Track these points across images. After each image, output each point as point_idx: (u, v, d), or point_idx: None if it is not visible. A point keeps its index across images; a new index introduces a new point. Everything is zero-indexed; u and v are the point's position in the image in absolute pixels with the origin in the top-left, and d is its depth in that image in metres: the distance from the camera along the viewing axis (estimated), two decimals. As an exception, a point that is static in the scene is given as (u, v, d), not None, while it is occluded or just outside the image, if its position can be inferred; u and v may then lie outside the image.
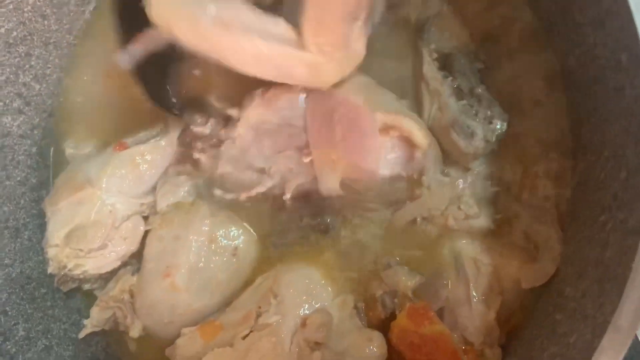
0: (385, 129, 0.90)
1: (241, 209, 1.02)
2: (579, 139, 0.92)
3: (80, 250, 1.00)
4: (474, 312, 0.92)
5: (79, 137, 1.14)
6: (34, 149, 1.12)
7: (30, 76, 1.10)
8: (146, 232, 1.03)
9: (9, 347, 0.97)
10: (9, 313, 1.00)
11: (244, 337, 0.93)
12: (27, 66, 1.09)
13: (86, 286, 1.08)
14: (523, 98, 0.96)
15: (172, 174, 1.03)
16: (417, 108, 0.97)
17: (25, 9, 1.05)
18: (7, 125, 1.07)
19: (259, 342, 0.92)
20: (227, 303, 1.01)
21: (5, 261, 1.03)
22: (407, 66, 1.00)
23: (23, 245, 1.07)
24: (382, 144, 0.90)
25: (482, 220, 0.96)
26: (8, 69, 1.05)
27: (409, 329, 0.91)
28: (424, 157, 0.90)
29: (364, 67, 0.91)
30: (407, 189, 0.95)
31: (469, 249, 0.95)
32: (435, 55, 0.95)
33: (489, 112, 0.92)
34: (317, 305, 0.96)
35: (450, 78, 0.93)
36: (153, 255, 1.01)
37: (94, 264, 1.02)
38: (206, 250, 1.00)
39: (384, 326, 0.96)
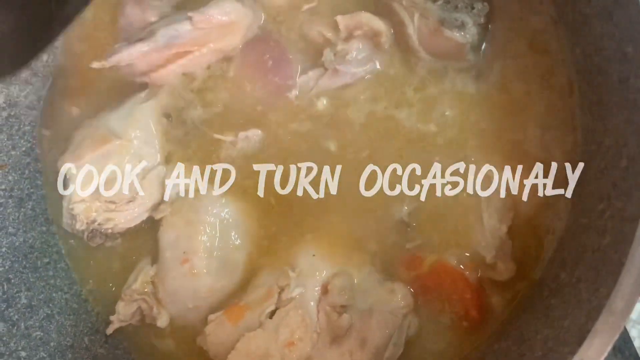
0: (349, 31, 0.98)
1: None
2: (584, 127, 0.93)
3: (112, 202, 1.00)
4: (485, 227, 0.95)
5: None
6: (40, 120, 1.13)
7: (38, 47, 1.10)
8: (159, 221, 1.03)
9: (11, 313, 0.98)
10: (12, 281, 1.01)
11: (271, 315, 0.95)
12: (35, 37, 1.09)
13: (109, 243, 1.07)
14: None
15: (176, 162, 1.05)
16: (401, 29, 0.99)
17: (35, -21, 1.05)
18: (15, 95, 1.07)
19: (287, 317, 0.94)
20: (248, 281, 1.02)
21: (9, 229, 1.04)
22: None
23: (27, 215, 1.08)
24: (351, 46, 0.99)
25: None
26: (17, 39, 1.06)
27: (411, 277, 0.97)
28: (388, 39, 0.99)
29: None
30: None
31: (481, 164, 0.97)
32: None
33: (466, 0, 0.95)
34: (335, 270, 0.98)
35: None
36: (168, 244, 1.02)
37: (125, 217, 1.02)
38: (219, 230, 1.01)
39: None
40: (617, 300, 0.68)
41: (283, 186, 1.03)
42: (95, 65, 0.97)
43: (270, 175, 1.03)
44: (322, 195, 1.01)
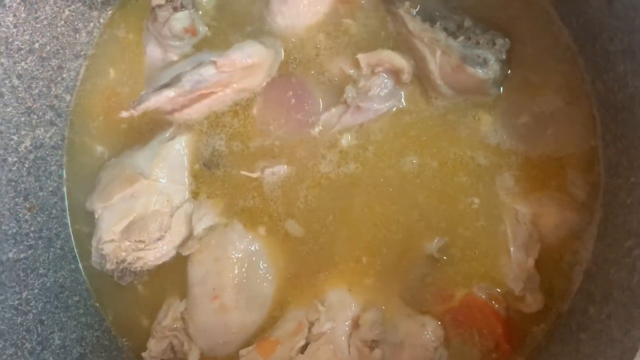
0: (371, 68, 1.00)
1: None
2: (608, 160, 0.94)
3: (141, 241, 1.02)
4: (513, 260, 0.96)
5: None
6: (64, 159, 1.15)
7: (62, 88, 1.12)
8: (188, 257, 1.05)
9: (46, 356, 1.00)
10: (45, 322, 1.03)
11: (302, 350, 0.97)
12: (59, 78, 1.11)
13: (137, 280, 1.08)
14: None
15: (204, 199, 1.06)
16: (422, 65, 1.00)
17: (59, 24, 1.07)
18: (40, 137, 1.09)
19: (318, 352, 0.96)
20: (277, 315, 1.04)
21: (40, 271, 1.06)
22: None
23: (56, 254, 1.10)
24: (373, 83, 1.00)
25: None
26: (41, 82, 1.07)
27: (441, 311, 0.98)
28: (409, 76, 1.00)
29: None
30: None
31: (509, 198, 0.98)
32: (414, 12, 0.99)
33: (487, 37, 0.96)
34: (365, 304, 0.99)
35: (437, 23, 0.97)
36: (197, 280, 1.03)
37: (154, 255, 1.04)
38: (247, 266, 1.02)
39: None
40: (652, 344, 0.69)
41: (310, 221, 1.04)
42: (125, 114, 0.98)
43: (297, 209, 1.05)
44: (350, 229, 1.03)
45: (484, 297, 0.97)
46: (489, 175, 0.99)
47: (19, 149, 1.05)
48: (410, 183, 1.01)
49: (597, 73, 0.92)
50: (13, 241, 1.02)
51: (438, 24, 0.97)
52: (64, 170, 1.14)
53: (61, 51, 1.09)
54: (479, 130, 1.00)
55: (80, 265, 1.13)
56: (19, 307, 1.00)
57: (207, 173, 1.07)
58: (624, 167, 0.87)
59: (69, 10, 1.07)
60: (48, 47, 1.06)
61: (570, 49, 0.97)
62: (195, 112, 1.06)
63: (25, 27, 1.01)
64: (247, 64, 1.00)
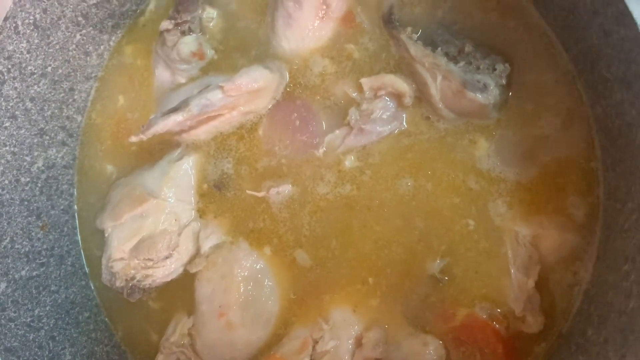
0: (374, 91, 1.03)
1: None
2: (607, 183, 0.95)
3: (150, 260, 1.05)
4: (514, 281, 0.98)
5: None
6: (75, 178, 1.18)
7: (73, 109, 1.15)
8: (195, 274, 1.08)
9: (57, 372, 1.03)
10: (57, 338, 1.06)
11: None
12: (70, 100, 1.14)
13: (145, 297, 1.11)
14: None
15: (211, 218, 1.09)
16: (424, 89, 1.02)
17: (71, 48, 1.10)
18: (52, 157, 1.12)
19: None
20: (281, 331, 1.06)
21: (52, 288, 1.09)
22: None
23: (67, 271, 1.13)
24: (375, 106, 1.03)
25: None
26: (53, 104, 1.10)
27: (443, 330, 1.00)
28: (411, 99, 1.02)
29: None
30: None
31: (507, 221, 0.99)
32: (415, 37, 1.01)
33: (487, 62, 0.98)
34: (368, 323, 1.02)
35: (439, 48, 0.99)
36: (204, 297, 1.06)
37: (162, 273, 1.07)
38: (253, 284, 1.05)
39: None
40: (646, 371, 0.71)
41: (316, 247, 1.06)
42: (134, 139, 1.01)
43: (303, 237, 1.07)
44: (353, 250, 1.05)
45: (485, 317, 0.99)
46: (481, 200, 1.00)
47: (32, 170, 1.08)
48: (407, 205, 1.03)
49: (596, 98, 0.94)
50: (26, 259, 1.05)
51: (439, 49, 0.98)
52: (75, 189, 1.18)
53: (72, 74, 1.12)
54: (473, 155, 1.02)
55: (89, 281, 1.16)
56: (32, 324, 1.03)
57: (217, 194, 1.09)
58: (622, 192, 0.89)
59: (80, 35, 1.10)
60: (60, 71, 1.09)
61: (569, 73, 0.98)
62: (203, 132, 1.08)
63: (38, 52, 1.04)
64: (253, 88, 1.02)
